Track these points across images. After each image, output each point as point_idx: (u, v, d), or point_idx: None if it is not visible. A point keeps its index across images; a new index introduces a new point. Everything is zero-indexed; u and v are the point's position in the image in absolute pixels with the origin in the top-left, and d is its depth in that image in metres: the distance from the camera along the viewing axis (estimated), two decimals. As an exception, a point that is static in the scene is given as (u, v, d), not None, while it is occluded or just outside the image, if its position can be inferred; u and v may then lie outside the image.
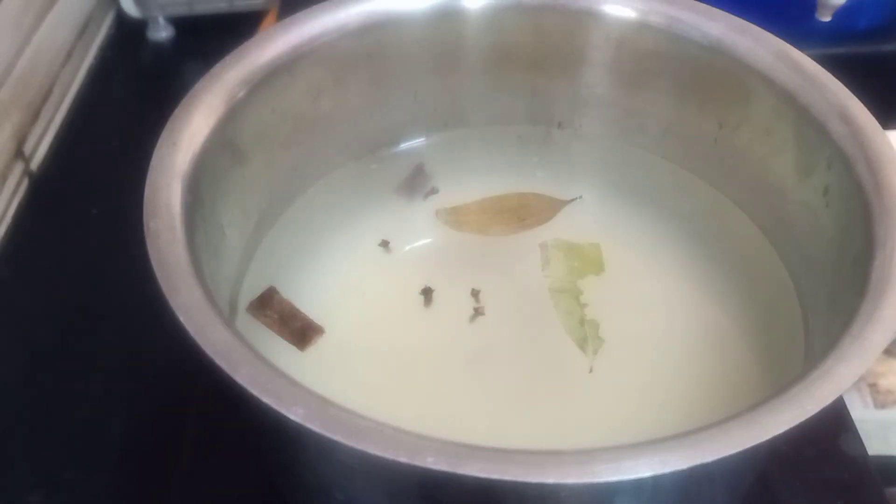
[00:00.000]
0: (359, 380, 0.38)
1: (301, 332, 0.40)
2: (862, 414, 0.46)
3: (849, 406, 0.45)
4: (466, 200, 0.45)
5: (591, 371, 0.39)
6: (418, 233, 0.45)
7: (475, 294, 0.42)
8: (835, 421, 0.44)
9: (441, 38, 0.43)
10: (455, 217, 0.45)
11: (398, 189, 0.46)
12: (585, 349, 0.40)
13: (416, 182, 0.46)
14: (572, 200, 0.45)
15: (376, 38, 0.42)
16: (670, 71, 0.43)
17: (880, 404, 0.47)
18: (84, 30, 0.64)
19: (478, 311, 0.41)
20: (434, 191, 0.46)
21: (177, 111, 0.36)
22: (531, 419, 0.38)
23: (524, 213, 0.45)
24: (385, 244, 0.44)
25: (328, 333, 0.40)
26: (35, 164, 0.56)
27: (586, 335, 0.40)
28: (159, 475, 0.42)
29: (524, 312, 0.41)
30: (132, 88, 0.65)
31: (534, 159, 0.47)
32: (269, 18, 0.66)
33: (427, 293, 0.42)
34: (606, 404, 0.38)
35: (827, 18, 0.55)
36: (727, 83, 0.41)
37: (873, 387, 0.48)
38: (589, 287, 0.42)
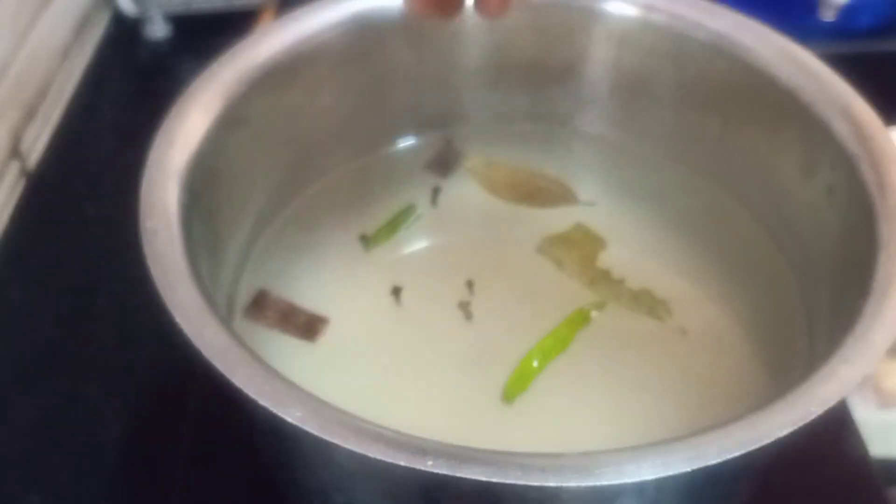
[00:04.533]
0: (361, 377, 0.38)
1: (307, 325, 0.40)
2: (864, 415, 0.46)
3: (851, 407, 0.45)
4: (468, 199, 0.45)
5: (685, 333, 0.39)
6: (417, 232, 0.44)
7: (469, 285, 0.41)
8: (837, 422, 0.43)
9: (441, 36, 0.43)
10: (485, 170, 0.45)
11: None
12: (661, 316, 0.40)
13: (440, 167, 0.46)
14: (588, 204, 0.45)
15: (374, 35, 0.42)
16: (673, 68, 0.43)
17: (883, 405, 0.47)
18: (81, 28, 0.63)
19: (469, 309, 0.41)
20: (438, 191, 0.45)
21: (173, 109, 0.36)
22: (531, 418, 0.37)
23: (536, 192, 0.45)
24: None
25: (330, 331, 0.40)
26: (32, 162, 0.56)
27: (648, 303, 0.40)
28: (158, 476, 0.42)
29: (521, 310, 0.41)
30: (129, 87, 0.65)
31: (535, 157, 0.47)
32: (267, 16, 0.66)
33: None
34: (607, 405, 0.38)
35: (830, 17, 0.55)
36: (730, 81, 0.41)
37: (876, 388, 0.48)
38: (610, 264, 0.42)
